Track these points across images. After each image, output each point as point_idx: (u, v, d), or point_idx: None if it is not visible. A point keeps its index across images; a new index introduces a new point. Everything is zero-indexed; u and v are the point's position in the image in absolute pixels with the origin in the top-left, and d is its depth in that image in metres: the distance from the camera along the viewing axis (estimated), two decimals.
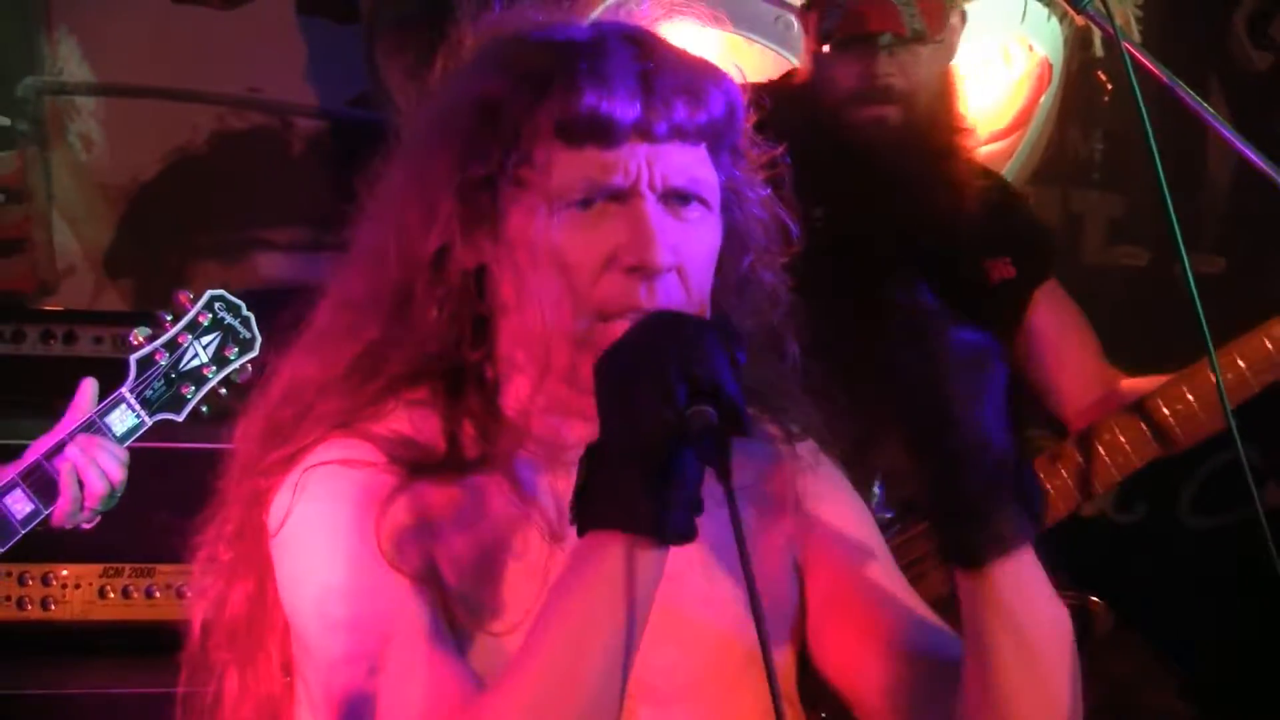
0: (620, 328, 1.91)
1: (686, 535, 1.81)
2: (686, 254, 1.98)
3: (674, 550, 1.85)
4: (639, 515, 1.79)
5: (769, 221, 2.13)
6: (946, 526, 1.87)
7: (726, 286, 2.07)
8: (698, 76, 2.01)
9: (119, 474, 3.06)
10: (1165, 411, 3.38)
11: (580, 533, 1.83)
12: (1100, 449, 3.37)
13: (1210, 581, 4.71)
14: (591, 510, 1.81)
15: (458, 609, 1.95)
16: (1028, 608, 1.88)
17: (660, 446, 1.78)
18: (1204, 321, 2.82)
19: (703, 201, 2.00)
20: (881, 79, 3.39)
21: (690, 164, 1.99)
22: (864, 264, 3.39)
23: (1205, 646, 4.01)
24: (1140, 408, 3.39)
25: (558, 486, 2.02)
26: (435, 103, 2.08)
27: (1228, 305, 3.38)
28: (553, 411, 2.02)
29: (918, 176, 3.44)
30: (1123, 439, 3.38)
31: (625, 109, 1.95)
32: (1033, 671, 1.89)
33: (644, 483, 1.78)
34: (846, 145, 3.40)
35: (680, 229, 1.98)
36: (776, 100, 3.50)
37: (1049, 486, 3.34)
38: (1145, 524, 4.85)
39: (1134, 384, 3.48)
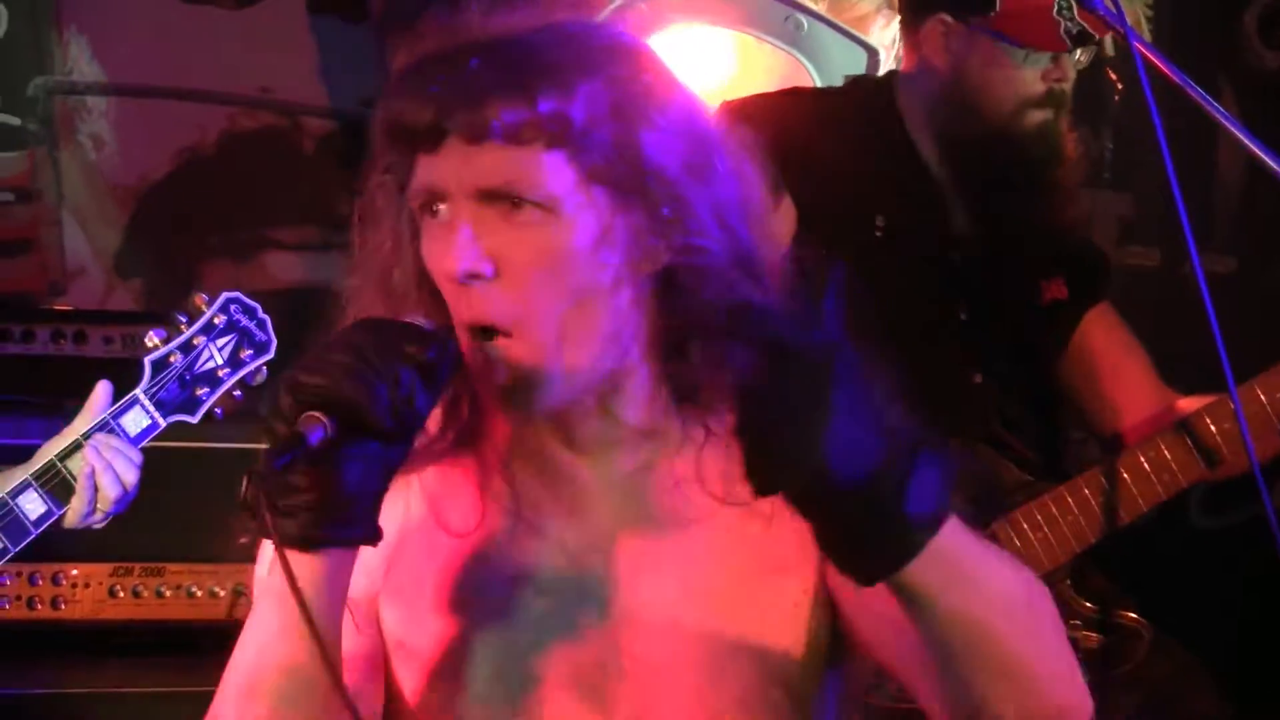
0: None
1: (308, 541, 1.84)
2: (512, 259, 1.90)
3: (653, 552, 1.98)
4: (272, 522, 1.83)
5: (715, 202, 1.98)
6: (833, 558, 1.79)
7: (679, 283, 1.97)
8: (538, 71, 1.89)
9: (133, 477, 3.07)
10: (1213, 430, 3.37)
11: None
12: (1146, 467, 3.35)
13: (1220, 581, 4.70)
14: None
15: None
16: (947, 596, 1.78)
17: (274, 454, 1.79)
18: (1215, 322, 2.82)
19: (536, 204, 1.90)
20: (1062, 83, 3.41)
21: (512, 165, 1.89)
22: (921, 270, 3.40)
23: (1215, 645, 4.00)
24: (1187, 425, 3.38)
25: (508, 481, 2.06)
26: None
27: (1239, 305, 3.37)
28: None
29: (1047, 184, 3.46)
30: (1169, 457, 3.36)
31: (423, 109, 1.89)
32: (977, 657, 1.81)
33: (267, 491, 1.82)
34: (1007, 146, 3.41)
35: (502, 233, 1.91)
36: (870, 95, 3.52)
37: (1094, 504, 3.34)
38: (1155, 523, 4.84)
39: (1190, 402, 3.46)
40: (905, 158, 3.45)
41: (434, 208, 1.94)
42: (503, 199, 1.90)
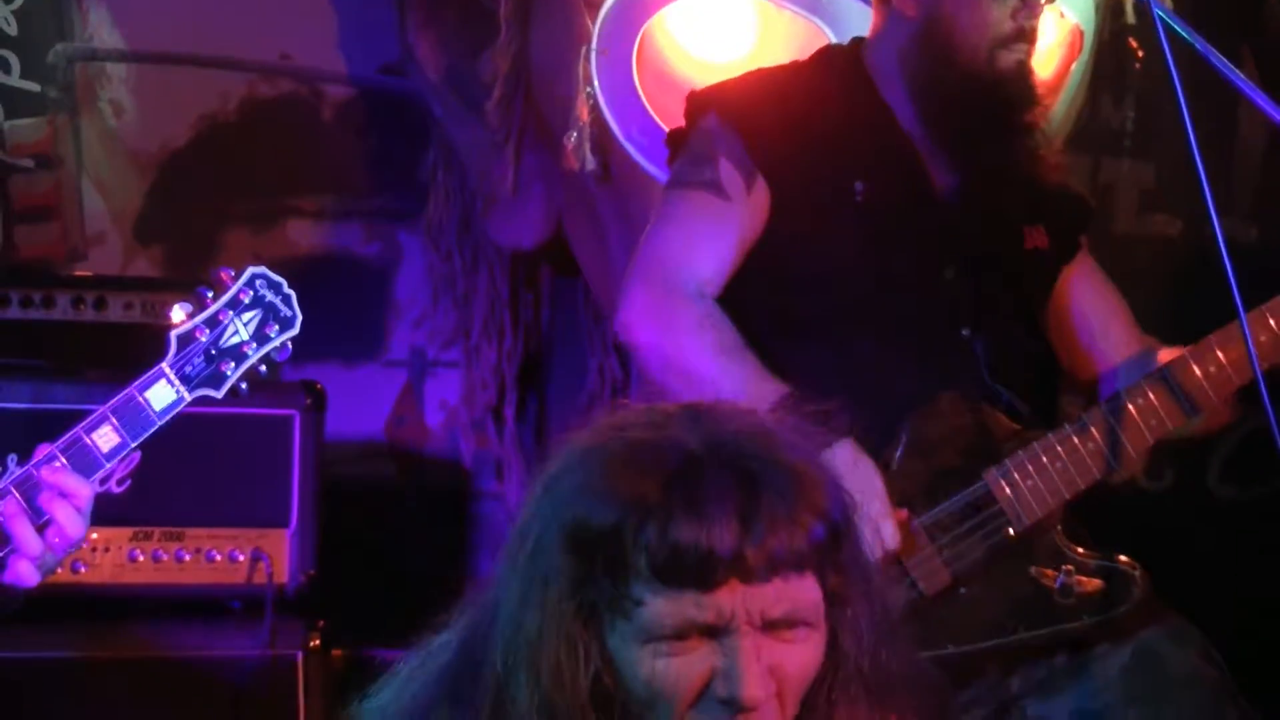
0: None
1: None
2: (785, 674, 1.98)
3: None
4: None
5: (876, 609, 2.08)
6: None
7: (833, 679, 2.05)
8: (800, 499, 1.97)
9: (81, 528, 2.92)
10: (1197, 373, 3.38)
11: None
12: (1133, 412, 3.37)
13: (1237, 549, 4.70)
14: None
15: None
16: None
17: None
18: (1236, 290, 2.82)
19: (806, 624, 1.99)
20: (1030, 20, 3.45)
21: (791, 592, 1.97)
22: (904, 232, 3.41)
23: (1231, 614, 4.00)
24: (1171, 370, 3.39)
25: None
26: (531, 520, 2.03)
27: (1261, 273, 3.37)
28: None
29: (1022, 127, 3.49)
30: (1155, 403, 3.38)
31: (722, 548, 1.92)
32: None
33: None
34: (982, 90, 3.43)
35: (779, 650, 1.97)
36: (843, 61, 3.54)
37: (1083, 452, 3.35)
38: (1173, 492, 4.84)
39: (1170, 352, 3.48)
40: (880, 122, 3.50)
41: (682, 635, 1.95)
42: (782, 625, 1.97)
